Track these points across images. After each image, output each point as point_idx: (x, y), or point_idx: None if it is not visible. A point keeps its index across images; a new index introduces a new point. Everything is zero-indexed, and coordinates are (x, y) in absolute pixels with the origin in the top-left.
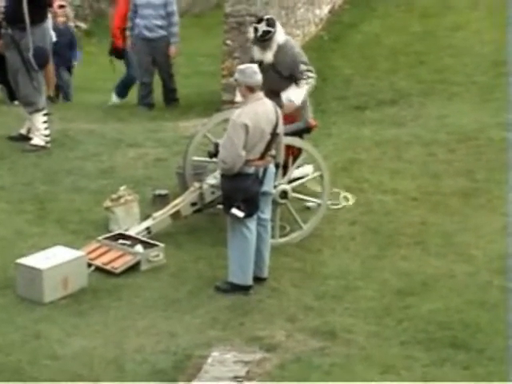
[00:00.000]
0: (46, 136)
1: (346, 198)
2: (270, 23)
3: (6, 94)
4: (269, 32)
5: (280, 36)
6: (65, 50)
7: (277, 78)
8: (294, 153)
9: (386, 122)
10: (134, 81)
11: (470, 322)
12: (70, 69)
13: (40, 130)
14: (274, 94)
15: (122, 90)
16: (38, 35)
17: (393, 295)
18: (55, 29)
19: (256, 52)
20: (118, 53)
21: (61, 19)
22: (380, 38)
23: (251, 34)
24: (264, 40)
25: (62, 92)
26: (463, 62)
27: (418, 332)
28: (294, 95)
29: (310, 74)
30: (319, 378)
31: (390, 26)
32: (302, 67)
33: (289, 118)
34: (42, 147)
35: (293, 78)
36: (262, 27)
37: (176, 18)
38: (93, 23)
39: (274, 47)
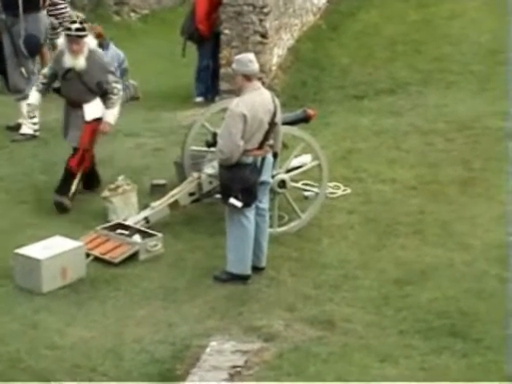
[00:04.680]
0: (34, 124)
1: (338, 187)
2: (82, 22)
3: (4, 84)
4: (83, 28)
5: (91, 41)
6: None
7: (82, 89)
8: None
9: (384, 111)
10: (206, 70)
11: (468, 311)
12: None
13: (28, 117)
14: (75, 105)
15: (202, 85)
16: (31, 22)
17: (391, 284)
18: None
19: (67, 59)
20: (197, 37)
21: None
22: (378, 27)
23: (61, 41)
24: (78, 36)
25: None
26: (460, 51)
27: (417, 321)
28: (112, 118)
29: (119, 86)
30: (318, 367)
31: (388, 15)
32: (111, 78)
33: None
34: (32, 136)
35: (99, 90)
36: (75, 25)
37: None
38: (90, 13)
39: (86, 52)
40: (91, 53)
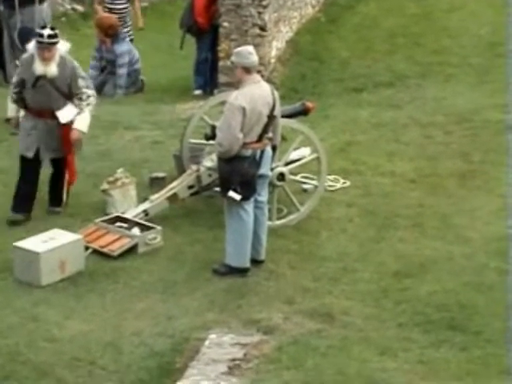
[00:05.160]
0: None
1: (337, 180)
2: (54, 29)
3: (3, 77)
4: (56, 35)
5: (62, 46)
6: None
7: (55, 95)
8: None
9: (383, 104)
10: (205, 63)
11: (467, 304)
12: None
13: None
14: (45, 115)
15: (201, 78)
16: (27, 15)
17: (390, 277)
18: None
19: (38, 66)
20: (196, 30)
21: None
22: (377, 19)
23: (31, 47)
24: (51, 43)
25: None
26: (460, 44)
27: (416, 314)
28: (82, 124)
29: (90, 92)
30: (317, 360)
31: (387, 7)
32: (81, 83)
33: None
34: None
35: (70, 95)
36: (47, 32)
37: None
38: (89, 6)
39: (57, 59)
40: (62, 59)
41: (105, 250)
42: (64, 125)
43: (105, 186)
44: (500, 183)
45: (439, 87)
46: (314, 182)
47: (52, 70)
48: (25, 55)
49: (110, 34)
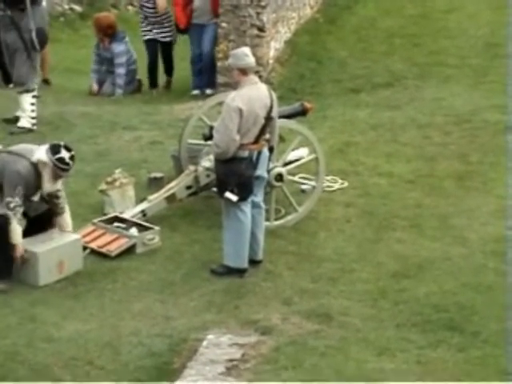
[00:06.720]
0: (33, 118)
1: (335, 181)
2: (69, 148)
3: (1, 77)
4: (74, 155)
5: None
6: None
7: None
8: None
9: (381, 105)
10: (198, 62)
11: (466, 305)
12: None
13: (27, 111)
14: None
15: (197, 78)
16: (38, 16)
17: (388, 278)
18: None
19: (48, 184)
20: (180, 30)
21: None
22: (375, 20)
23: (42, 160)
24: (70, 169)
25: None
26: (458, 45)
27: (414, 314)
28: (69, 223)
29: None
30: (314, 361)
31: (385, 8)
32: (60, 183)
33: None
34: (29, 130)
35: None
36: (66, 154)
37: None
38: (88, 6)
39: None
40: None
41: (103, 250)
42: None
43: (103, 186)
44: (498, 184)
45: (437, 88)
46: (312, 183)
47: (58, 186)
48: (21, 168)
49: (109, 33)
